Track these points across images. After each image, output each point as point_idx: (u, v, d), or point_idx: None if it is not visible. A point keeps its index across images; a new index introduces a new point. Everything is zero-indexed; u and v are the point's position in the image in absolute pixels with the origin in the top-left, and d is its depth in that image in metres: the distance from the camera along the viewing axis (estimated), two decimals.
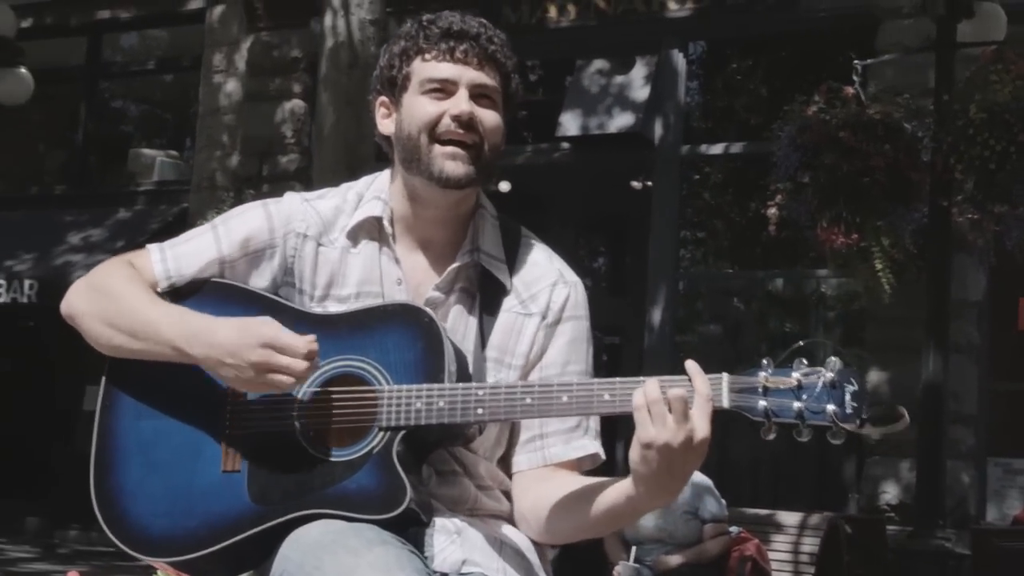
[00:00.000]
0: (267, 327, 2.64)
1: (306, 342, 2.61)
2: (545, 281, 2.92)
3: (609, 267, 17.00)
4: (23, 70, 12.05)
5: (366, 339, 2.72)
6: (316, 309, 2.86)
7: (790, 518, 9.86)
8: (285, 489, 2.66)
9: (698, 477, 8.84)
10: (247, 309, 2.80)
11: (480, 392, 2.63)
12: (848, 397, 2.48)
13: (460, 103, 2.78)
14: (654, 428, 2.44)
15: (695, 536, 8.62)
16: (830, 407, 2.47)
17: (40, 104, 16.87)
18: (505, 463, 2.93)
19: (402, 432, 2.63)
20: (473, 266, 2.89)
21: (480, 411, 2.62)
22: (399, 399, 2.64)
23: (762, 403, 2.49)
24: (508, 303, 2.89)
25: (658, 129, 13.22)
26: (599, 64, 13.75)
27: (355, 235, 2.90)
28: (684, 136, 13.34)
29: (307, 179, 11.73)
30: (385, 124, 2.90)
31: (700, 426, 2.43)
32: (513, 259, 2.93)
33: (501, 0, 13.83)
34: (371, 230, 2.91)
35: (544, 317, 2.89)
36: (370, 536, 2.50)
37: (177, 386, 2.73)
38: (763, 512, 10.12)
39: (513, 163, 14.08)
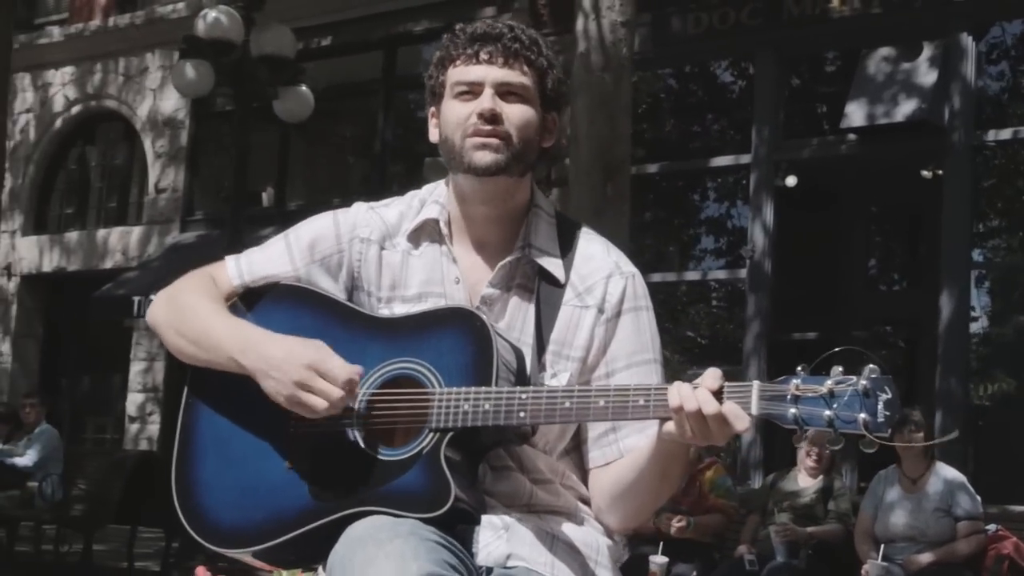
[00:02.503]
0: (317, 351, 2.77)
1: (348, 372, 2.73)
2: (600, 273, 2.98)
3: (902, 259, 16.61)
4: (303, 88, 12.50)
5: (423, 342, 2.82)
6: (383, 311, 2.98)
7: None
8: (343, 487, 2.77)
9: (951, 473, 8.63)
10: (315, 312, 2.96)
11: (523, 396, 2.70)
12: (881, 406, 2.48)
13: (484, 101, 2.89)
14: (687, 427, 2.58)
15: (948, 534, 8.45)
16: (862, 415, 2.48)
17: (342, 117, 17.52)
18: (577, 457, 3.00)
19: (450, 434, 2.71)
20: (527, 262, 2.97)
21: (522, 414, 2.70)
22: (449, 401, 2.73)
23: (792, 411, 2.52)
24: (566, 296, 2.96)
25: (947, 115, 12.86)
26: (884, 52, 13.46)
27: (416, 238, 3.03)
28: (975, 122, 12.93)
29: None
30: (433, 133, 3.04)
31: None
32: (569, 254, 3.00)
33: None
34: (431, 232, 3.03)
35: (601, 310, 2.95)
36: (401, 530, 2.60)
37: (249, 390, 2.84)
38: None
39: (800, 157, 13.97)
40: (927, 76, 13.06)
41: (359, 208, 3.10)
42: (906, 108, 13.04)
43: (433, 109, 3.03)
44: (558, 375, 2.90)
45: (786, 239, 13.93)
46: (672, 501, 9.50)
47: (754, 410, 2.54)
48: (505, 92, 2.92)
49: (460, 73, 2.94)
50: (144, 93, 19.12)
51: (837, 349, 2.64)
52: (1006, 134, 12.94)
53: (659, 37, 14.45)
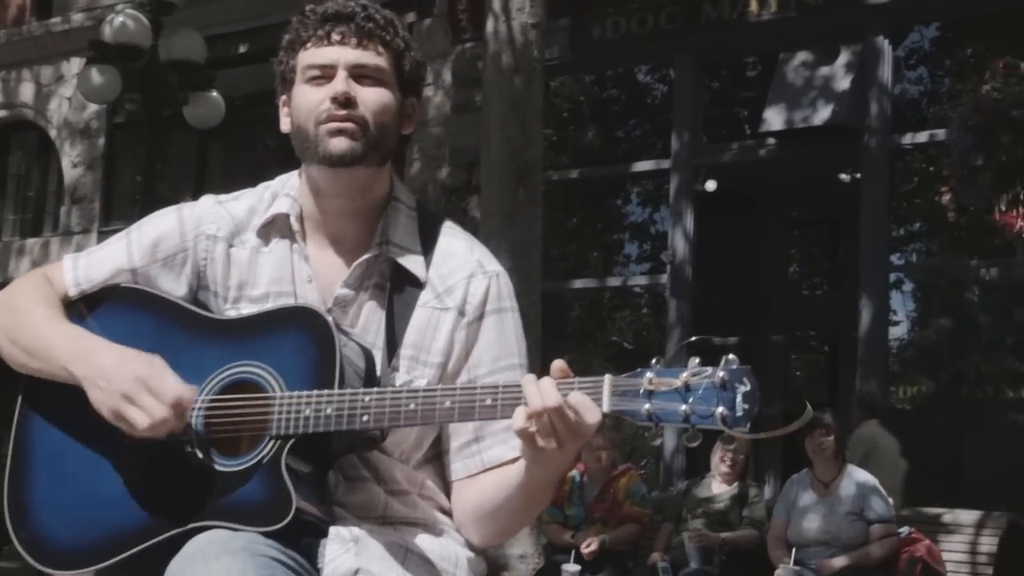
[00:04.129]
0: (150, 365, 2.61)
1: (178, 392, 2.57)
2: (462, 273, 2.83)
3: (822, 263, 16.65)
4: (214, 94, 12.32)
5: (264, 344, 2.66)
6: (230, 312, 2.82)
7: (967, 516, 9.49)
8: (182, 500, 2.61)
9: (863, 477, 8.65)
10: (152, 316, 2.80)
11: (366, 398, 2.54)
12: (740, 399, 2.32)
13: (337, 84, 2.73)
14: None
15: (860, 538, 8.47)
16: (719, 409, 2.32)
17: (262, 124, 17.31)
18: (439, 467, 2.85)
19: (292, 440, 2.56)
20: (384, 260, 2.80)
21: (365, 418, 2.54)
22: (289, 406, 2.57)
23: (646, 406, 2.36)
24: (424, 297, 2.80)
25: (865, 119, 12.82)
26: (802, 56, 13.43)
27: (266, 234, 2.87)
28: (893, 126, 12.91)
29: None
30: (284, 122, 2.87)
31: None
32: (430, 250, 2.84)
33: None
34: (282, 228, 2.86)
35: (462, 313, 2.80)
36: (233, 545, 2.45)
37: (83, 401, 2.67)
38: (937, 511, 9.75)
39: (719, 161, 13.95)
40: (844, 80, 13.04)
41: (206, 202, 2.93)
42: (824, 112, 13.01)
43: (284, 97, 2.86)
44: (415, 382, 2.74)
45: (707, 244, 13.89)
46: (586, 509, 9.44)
47: (606, 407, 2.38)
48: (359, 75, 2.75)
49: (311, 56, 2.77)
50: (60, 101, 18.83)
51: (692, 339, 2.49)
52: (923, 137, 12.90)
53: (578, 42, 14.36)
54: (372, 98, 2.75)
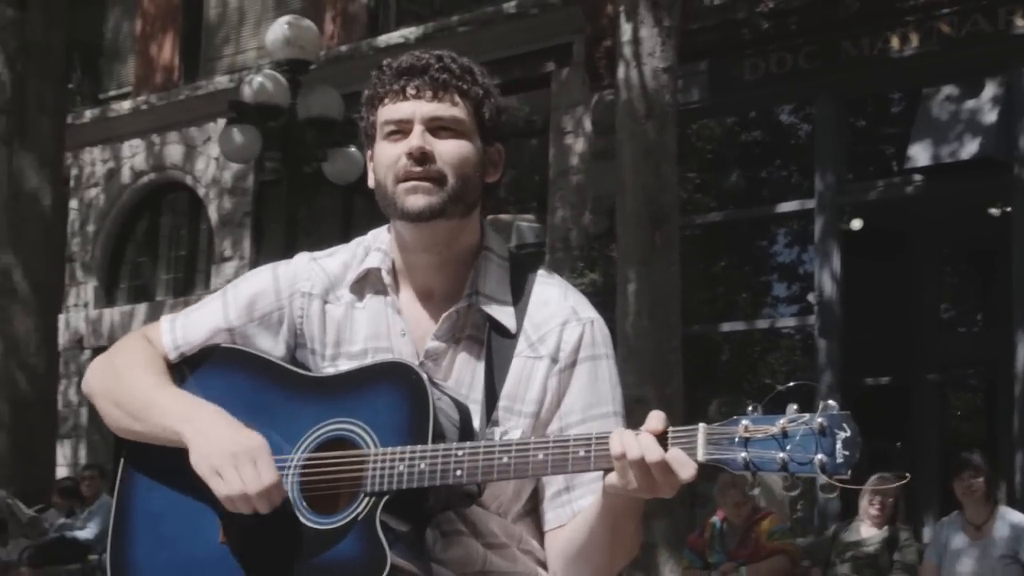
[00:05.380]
0: (261, 445, 2.62)
1: (277, 478, 2.58)
2: (555, 320, 2.76)
3: (975, 299, 16.27)
4: (352, 149, 12.40)
5: (358, 400, 2.64)
6: (328, 369, 2.79)
7: None
8: (277, 559, 2.60)
9: (1017, 518, 8.40)
10: (250, 375, 2.79)
11: (460, 453, 2.51)
12: (840, 445, 2.27)
13: (412, 139, 2.69)
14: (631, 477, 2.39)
15: None
16: (818, 456, 2.26)
17: None
18: (536, 519, 2.80)
19: (386, 497, 2.53)
20: (475, 311, 2.76)
21: (459, 472, 2.50)
22: (384, 463, 2.54)
23: (742, 455, 2.31)
24: (519, 347, 2.74)
25: (1013, 151, 12.57)
26: (947, 90, 13.21)
27: (360, 289, 2.84)
28: None
29: None
30: (370, 178, 2.83)
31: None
32: (522, 300, 2.78)
33: (839, 35, 13.51)
34: (375, 283, 2.83)
35: (555, 360, 2.73)
36: None
37: (183, 465, 2.68)
38: None
39: (865, 199, 13.75)
40: (991, 113, 12.80)
41: (300, 260, 2.92)
42: (971, 146, 12.78)
43: (369, 153, 2.84)
44: (509, 432, 2.70)
45: (855, 283, 13.66)
46: (728, 556, 9.30)
47: (700, 456, 2.33)
48: (437, 127, 2.71)
49: (388, 112, 2.74)
50: (208, 161, 19.23)
51: (791, 384, 2.42)
52: None
53: (717, 84, 14.30)
54: (450, 150, 2.71)
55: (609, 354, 2.80)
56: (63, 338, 18.56)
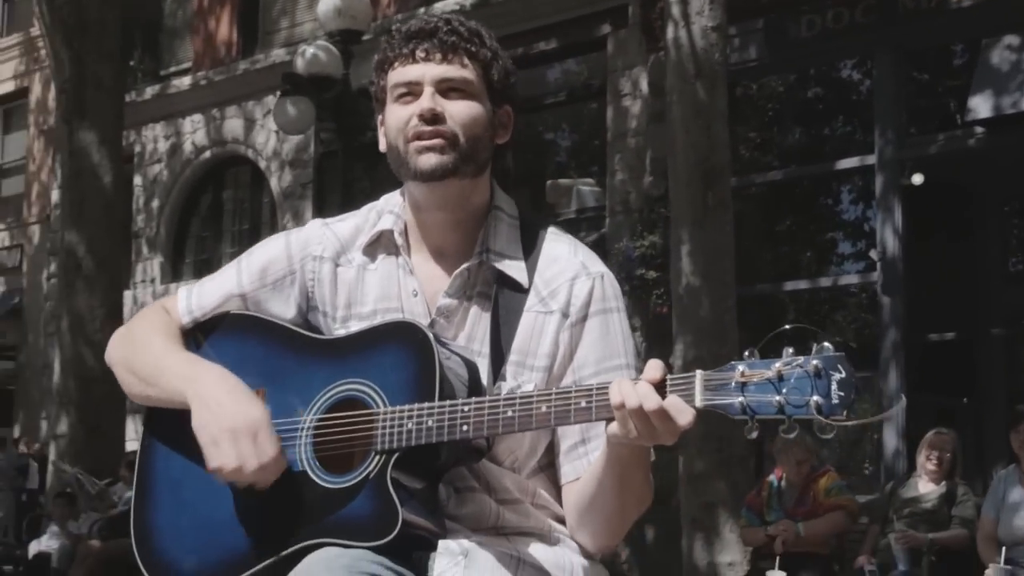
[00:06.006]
0: (263, 417, 2.67)
1: (276, 455, 2.64)
2: (565, 275, 2.82)
3: None
4: None
5: (368, 360, 2.70)
6: (339, 331, 2.85)
7: None
8: (293, 519, 2.66)
9: None
10: (262, 339, 2.86)
11: (466, 408, 2.56)
12: (835, 386, 2.28)
13: (423, 101, 2.75)
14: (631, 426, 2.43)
15: None
16: (813, 398, 2.28)
17: None
18: (552, 475, 2.84)
19: (396, 455, 2.58)
20: (486, 268, 2.81)
21: (465, 427, 2.55)
22: (393, 421, 2.60)
23: (739, 399, 2.34)
24: (529, 302, 2.80)
25: None
26: (1007, 40, 13.04)
27: (372, 251, 2.91)
28: None
29: None
30: (381, 142, 2.90)
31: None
32: (533, 256, 2.84)
33: None
34: (387, 245, 2.90)
35: (566, 315, 2.79)
36: (335, 564, 2.49)
37: None
38: None
39: (925, 153, 13.60)
40: None
41: (313, 225, 3.00)
42: None
43: (380, 117, 2.90)
44: (523, 387, 2.74)
45: (917, 238, 13.56)
46: (786, 513, 9.28)
47: (698, 402, 2.37)
48: (447, 89, 2.78)
49: (398, 75, 2.81)
50: (268, 135, 19.36)
51: (786, 327, 2.43)
52: None
53: (774, 42, 14.19)
54: (460, 111, 2.77)
55: (620, 307, 2.85)
56: (131, 314, 18.73)
